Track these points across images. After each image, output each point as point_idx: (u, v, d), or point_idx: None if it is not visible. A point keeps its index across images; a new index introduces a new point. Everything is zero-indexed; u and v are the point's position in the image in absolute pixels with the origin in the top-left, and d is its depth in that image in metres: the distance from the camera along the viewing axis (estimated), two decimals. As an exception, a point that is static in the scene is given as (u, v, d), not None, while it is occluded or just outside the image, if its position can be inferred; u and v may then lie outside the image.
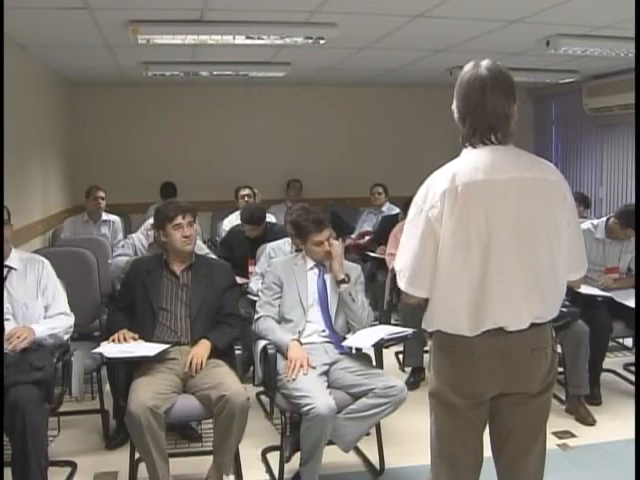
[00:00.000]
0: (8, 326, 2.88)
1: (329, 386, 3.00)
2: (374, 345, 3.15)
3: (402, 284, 1.98)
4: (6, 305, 2.93)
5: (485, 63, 1.95)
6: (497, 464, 2.08)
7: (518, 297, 1.90)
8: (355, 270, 3.38)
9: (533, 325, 1.93)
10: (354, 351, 3.22)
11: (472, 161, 1.93)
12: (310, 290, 3.27)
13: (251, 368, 3.32)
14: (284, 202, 7.07)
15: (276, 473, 3.05)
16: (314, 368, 3.00)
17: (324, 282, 3.30)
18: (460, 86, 1.97)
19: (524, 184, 1.89)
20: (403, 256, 1.97)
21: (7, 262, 3.02)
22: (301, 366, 2.95)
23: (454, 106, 2.00)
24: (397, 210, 6.18)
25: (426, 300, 1.99)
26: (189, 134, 7.62)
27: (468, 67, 1.97)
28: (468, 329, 1.90)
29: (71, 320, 3.11)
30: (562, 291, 2.01)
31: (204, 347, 3.01)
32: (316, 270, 3.32)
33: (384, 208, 6.76)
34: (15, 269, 3.03)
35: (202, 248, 4.18)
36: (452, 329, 1.94)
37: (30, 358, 2.78)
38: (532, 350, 1.95)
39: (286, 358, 3.02)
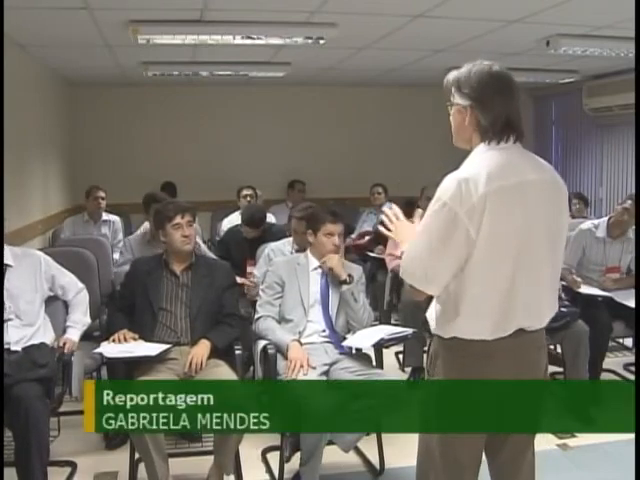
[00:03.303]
0: (13, 327, 2.90)
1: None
2: (374, 345, 3.15)
3: (419, 283, 1.88)
4: (8, 304, 2.93)
5: (491, 62, 1.92)
6: (494, 463, 2.06)
7: (543, 298, 1.94)
8: (357, 270, 3.38)
9: None
10: (354, 351, 3.22)
11: (500, 161, 1.87)
12: (312, 290, 3.27)
13: (251, 368, 3.31)
14: (285, 202, 7.07)
15: (276, 473, 3.04)
16: (314, 368, 3.00)
17: (327, 282, 3.30)
18: (481, 80, 1.88)
19: (544, 186, 1.91)
20: (425, 255, 1.85)
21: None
22: (301, 366, 2.95)
23: (467, 100, 1.90)
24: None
25: (428, 302, 1.99)
26: (189, 134, 7.61)
27: (482, 64, 1.90)
28: (490, 333, 1.88)
29: (84, 291, 3.29)
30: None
31: (204, 347, 3.00)
32: (319, 270, 3.32)
33: (384, 208, 6.74)
34: (10, 266, 3.03)
35: (202, 249, 4.18)
36: (473, 335, 1.89)
37: (33, 356, 2.81)
38: (538, 348, 1.98)
39: (286, 358, 3.02)
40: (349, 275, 3.25)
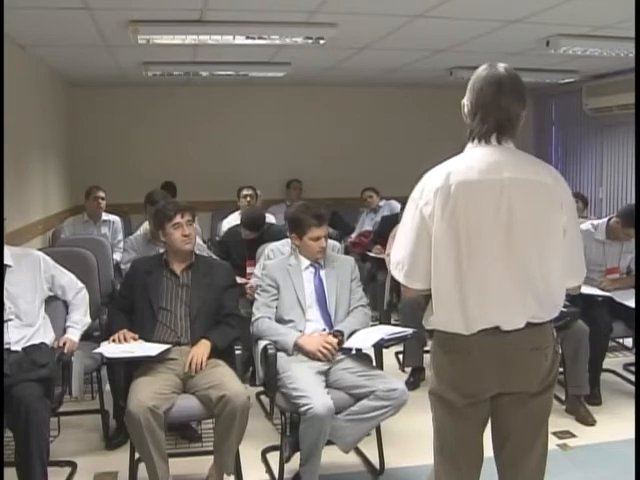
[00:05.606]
0: (13, 327, 2.90)
1: (330, 386, 3.00)
2: (374, 345, 3.14)
3: (400, 277, 1.99)
4: (8, 305, 2.94)
5: (503, 64, 1.97)
6: (497, 462, 2.09)
7: (510, 297, 1.91)
8: (348, 263, 3.39)
9: (531, 325, 1.93)
10: (354, 351, 3.22)
11: (469, 160, 1.94)
12: (307, 290, 3.27)
13: (251, 368, 3.31)
14: (284, 202, 7.07)
15: (276, 473, 3.05)
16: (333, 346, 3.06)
17: (320, 281, 3.30)
18: (476, 81, 1.98)
19: (518, 185, 1.90)
20: (401, 249, 1.99)
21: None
22: (329, 344, 3.05)
23: (465, 100, 2.01)
24: (398, 208, 6.18)
25: (426, 297, 2.00)
26: (189, 134, 7.61)
27: (485, 66, 1.99)
28: (464, 328, 1.91)
29: (84, 291, 3.32)
30: (560, 293, 2.01)
31: (204, 347, 3.00)
32: (311, 269, 3.33)
33: (381, 203, 6.81)
34: (10, 266, 3.04)
35: (202, 248, 4.18)
36: (449, 327, 1.95)
37: (33, 356, 2.81)
38: (530, 350, 1.95)
39: (290, 354, 3.06)
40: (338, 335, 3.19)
